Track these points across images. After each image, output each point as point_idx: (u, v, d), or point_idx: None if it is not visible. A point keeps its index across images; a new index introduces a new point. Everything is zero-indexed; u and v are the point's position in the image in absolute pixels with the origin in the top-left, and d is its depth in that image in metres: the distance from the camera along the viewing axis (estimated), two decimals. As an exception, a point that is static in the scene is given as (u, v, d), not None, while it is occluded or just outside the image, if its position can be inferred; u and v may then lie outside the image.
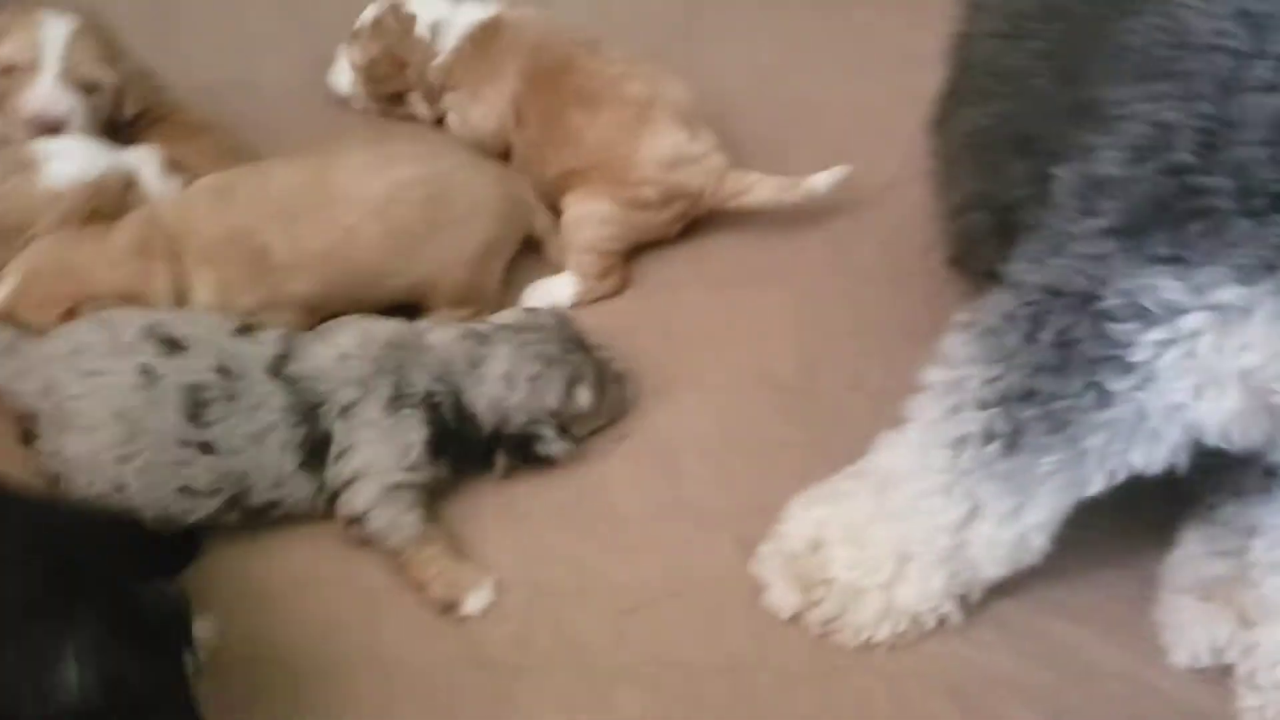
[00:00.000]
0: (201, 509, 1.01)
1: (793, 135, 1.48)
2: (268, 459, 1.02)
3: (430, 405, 1.05)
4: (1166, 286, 0.78)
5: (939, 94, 1.19)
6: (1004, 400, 0.89)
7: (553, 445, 1.09)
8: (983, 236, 1.11)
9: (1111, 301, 0.82)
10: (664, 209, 1.30)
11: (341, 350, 1.06)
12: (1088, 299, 0.84)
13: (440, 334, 1.10)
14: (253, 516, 1.03)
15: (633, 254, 1.33)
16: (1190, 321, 0.79)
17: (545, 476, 1.11)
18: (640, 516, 1.09)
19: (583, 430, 1.12)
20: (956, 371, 0.93)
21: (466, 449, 1.08)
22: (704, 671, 0.98)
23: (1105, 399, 0.85)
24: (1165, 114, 0.79)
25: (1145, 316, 0.80)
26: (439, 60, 1.44)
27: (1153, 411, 0.85)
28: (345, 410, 1.03)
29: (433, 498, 1.07)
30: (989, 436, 0.91)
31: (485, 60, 1.40)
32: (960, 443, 0.93)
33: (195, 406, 1.00)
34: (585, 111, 1.31)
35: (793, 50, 1.61)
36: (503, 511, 1.09)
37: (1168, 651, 1.00)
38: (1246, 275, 0.75)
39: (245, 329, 1.07)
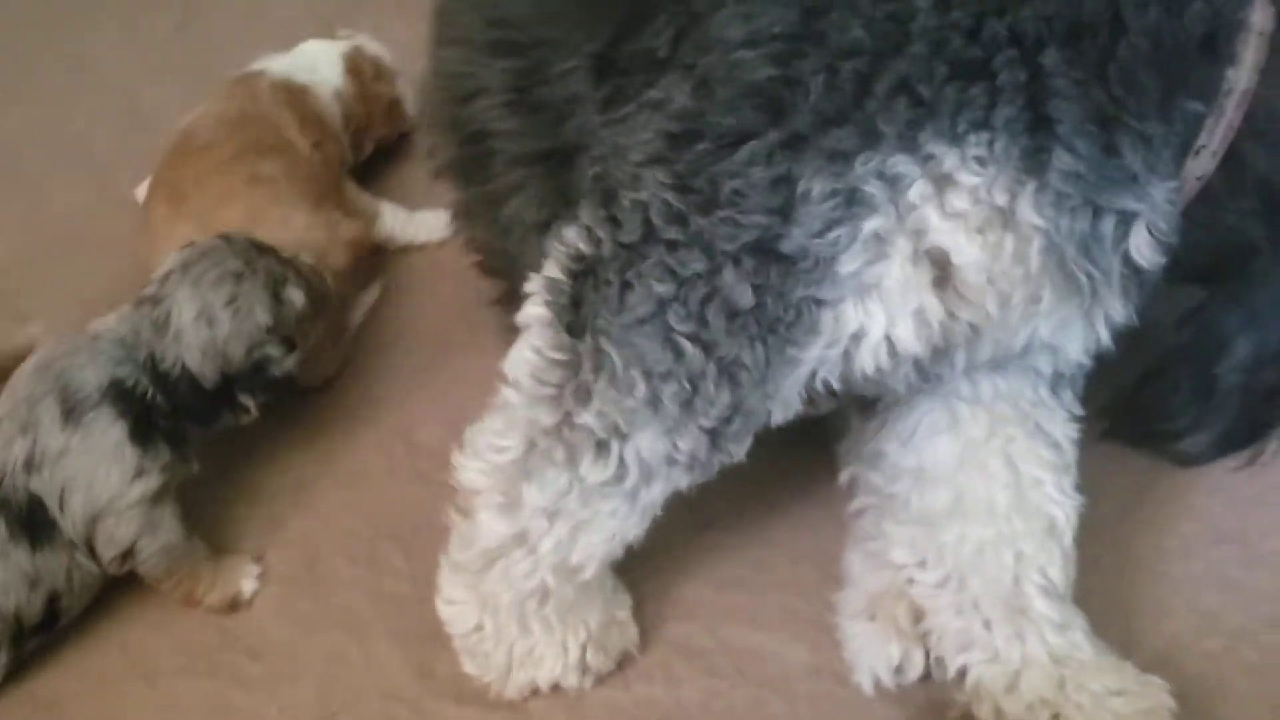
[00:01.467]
0: None
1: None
2: (5, 577, 0.93)
3: (116, 396, 0.95)
4: (895, 161, 0.71)
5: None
6: (713, 431, 0.81)
7: (285, 362, 1.02)
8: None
9: (809, 211, 0.73)
10: None
11: None
12: (764, 244, 0.74)
13: (108, 317, 1.01)
14: (52, 622, 0.96)
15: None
16: (915, 192, 0.72)
17: (178, 623, 1.01)
18: (287, 640, 1.00)
19: (309, 337, 1.06)
20: (663, 422, 0.81)
21: (197, 413, 1.00)
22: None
23: (795, 364, 0.79)
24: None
25: (860, 206, 0.73)
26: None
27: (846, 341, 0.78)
28: (28, 464, 0.93)
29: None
30: (692, 467, 0.84)
31: (225, 100, 1.29)
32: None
33: None
34: (169, 209, 1.19)
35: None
36: (132, 670, 0.98)
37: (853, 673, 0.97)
38: (958, 140, 0.71)
39: None
